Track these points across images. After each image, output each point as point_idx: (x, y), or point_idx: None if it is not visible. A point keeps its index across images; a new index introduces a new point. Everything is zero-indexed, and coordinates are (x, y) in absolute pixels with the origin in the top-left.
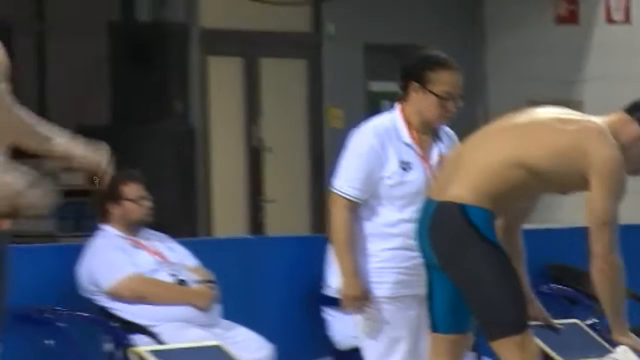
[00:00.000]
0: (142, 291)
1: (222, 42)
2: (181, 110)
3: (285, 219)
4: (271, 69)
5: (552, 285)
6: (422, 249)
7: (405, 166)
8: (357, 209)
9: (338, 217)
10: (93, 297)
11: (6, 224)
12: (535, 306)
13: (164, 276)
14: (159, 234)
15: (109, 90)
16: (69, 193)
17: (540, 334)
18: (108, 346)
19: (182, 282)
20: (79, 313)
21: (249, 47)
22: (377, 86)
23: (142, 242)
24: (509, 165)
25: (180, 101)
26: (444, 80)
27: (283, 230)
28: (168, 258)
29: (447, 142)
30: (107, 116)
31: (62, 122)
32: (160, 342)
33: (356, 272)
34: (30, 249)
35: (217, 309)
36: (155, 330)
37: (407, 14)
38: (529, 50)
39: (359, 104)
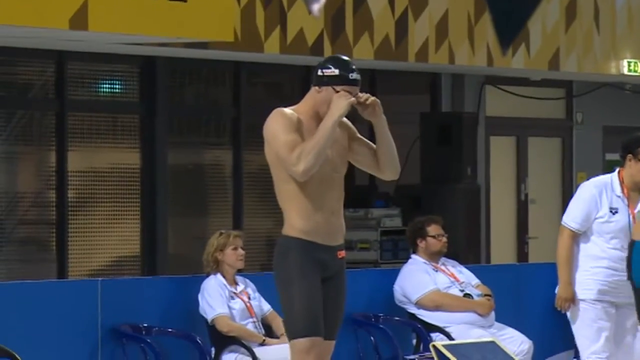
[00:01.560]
0: (440, 302)
1: (501, 125)
2: (470, 174)
3: (544, 251)
4: (535, 145)
5: None
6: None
7: (614, 211)
8: (577, 238)
9: (562, 242)
10: (405, 306)
11: (343, 254)
12: None
13: (456, 291)
14: (452, 261)
15: (419, 161)
16: (388, 232)
17: None
18: (415, 341)
19: (468, 296)
20: (394, 318)
21: (520, 129)
22: (611, 156)
23: (440, 266)
24: None
25: (470, 168)
26: None
27: (543, 259)
28: (458, 278)
29: None
30: (418, 179)
31: (386, 183)
32: (451, 339)
33: (570, 281)
34: (361, 272)
35: (493, 314)
36: (448, 330)
37: (636, 104)
38: None
39: (599, 169)
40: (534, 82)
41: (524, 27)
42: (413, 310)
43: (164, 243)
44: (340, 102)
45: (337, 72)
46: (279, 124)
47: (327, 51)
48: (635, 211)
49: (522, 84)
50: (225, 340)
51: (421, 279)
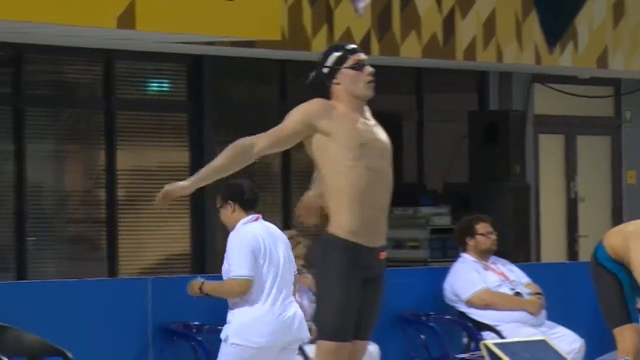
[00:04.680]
0: (490, 301)
1: (549, 124)
2: (519, 172)
3: None
4: (584, 143)
5: None
6: None
7: None
8: None
9: None
10: (454, 304)
11: (384, 255)
12: None
13: (506, 290)
14: (502, 259)
15: (467, 159)
16: (438, 230)
17: None
18: (465, 340)
19: (518, 294)
20: (444, 316)
21: (568, 127)
22: None
23: (490, 265)
24: None
25: (519, 166)
26: None
27: None
28: (508, 277)
29: None
30: (466, 177)
31: (435, 181)
32: (502, 337)
33: None
34: (411, 271)
35: (543, 313)
36: (498, 328)
37: None
38: None
39: None
40: (582, 80)
41: (571, 25)
42: (463, 308)
43: (213, 241)
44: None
45: (336, 54)
46: (297, 111)
47: (374, 50)
48: None
49: (570, 82)
50: None
51: (471, 278)
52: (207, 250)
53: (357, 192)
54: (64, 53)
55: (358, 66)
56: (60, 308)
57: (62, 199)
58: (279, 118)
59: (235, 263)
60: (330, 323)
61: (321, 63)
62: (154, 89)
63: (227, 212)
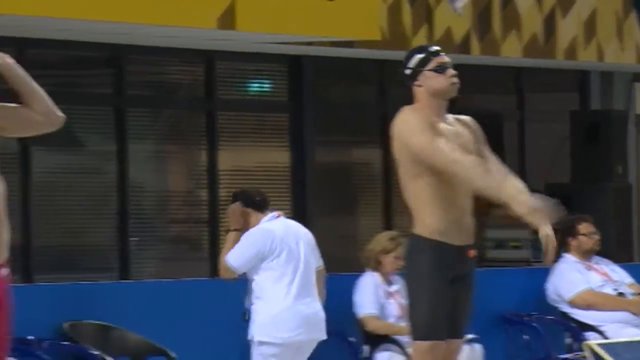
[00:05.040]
0: (593, 301)
1: None
2: (621, 172)
3: None
4: None
5: None
6: None
7: None
8: None
9: None
10: (557, 305)
11: (473, 253)
12: None
13: (609, 290)
14: (605, 260)
15: (569, 159)
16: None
17: None
18: (568, 340)
19: (621, 294)
20: (547, 316)
21: None
22: None
23: (594, 265)
24: None
25: (621, 166)
26: None
27: None
28: (611, 277)
29: None
30: (568, 177)
31: (536, 181)
32: (605, 338)
33: None
34: (513, 271)
35: None
36: (601, 329)
37: None
38: None
39: None
40: None
41: None
42: (566, 309)
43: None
44: None
45: (418, 56)
46: (413, 121)
47: (475, 49)
48: None
49: None
50: (378, 338)
51: (574, 278)
52: None
53: (439, 195)
54: (164, 54)
55: (441, 69)
56: (162, 308)
57: (163, 199)
58: (377, 119)
59: (236, 251)
60: (423, 323)
61: (404, 64)
62: (255, 89)
63: (247, 218)
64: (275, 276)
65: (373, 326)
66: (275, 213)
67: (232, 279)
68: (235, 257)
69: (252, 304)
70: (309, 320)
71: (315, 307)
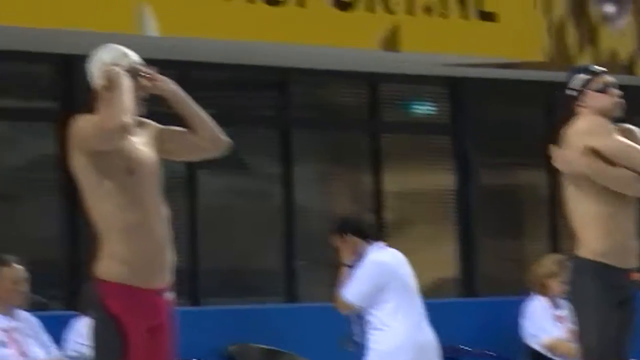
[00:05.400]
0: None
1: None
2: None
3: None
4: None
5: None
6: None
7: None
8: None
9: None
10: None
11: (637, 276)
12: None
13: None
14: None
15: None
16: None
17: None
18: None
19: None
20: None
21: None
22: None
23: None
24: None
25: None
26: None
27: None
28: None
29: None
30: None
31: None
32: None
33: None
34: None
35: None
36: None
37: None
38: None
39: None
40: None
41: None
42: None
43: (484, 265)
44: None
45: (581, 76)
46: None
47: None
48: None
49: None
50: None
51: None
52: (475, 274)
53: (605, 219)
54: (328, 76)
55: (604, 88)
56: (329, 332)
57: (330, 222)
58: (543, 141)
59: (353, 286)
60: (594, 348)
61: (567, 86)
62: (418, 111)
63: (348, 246)
64: (393, 307)
65: (565, 350)
66: (380, 243)
67: (342, 312)
68: (352, 293)
69: (369, 335)
70: (426, 349)
71: (430, 335)
